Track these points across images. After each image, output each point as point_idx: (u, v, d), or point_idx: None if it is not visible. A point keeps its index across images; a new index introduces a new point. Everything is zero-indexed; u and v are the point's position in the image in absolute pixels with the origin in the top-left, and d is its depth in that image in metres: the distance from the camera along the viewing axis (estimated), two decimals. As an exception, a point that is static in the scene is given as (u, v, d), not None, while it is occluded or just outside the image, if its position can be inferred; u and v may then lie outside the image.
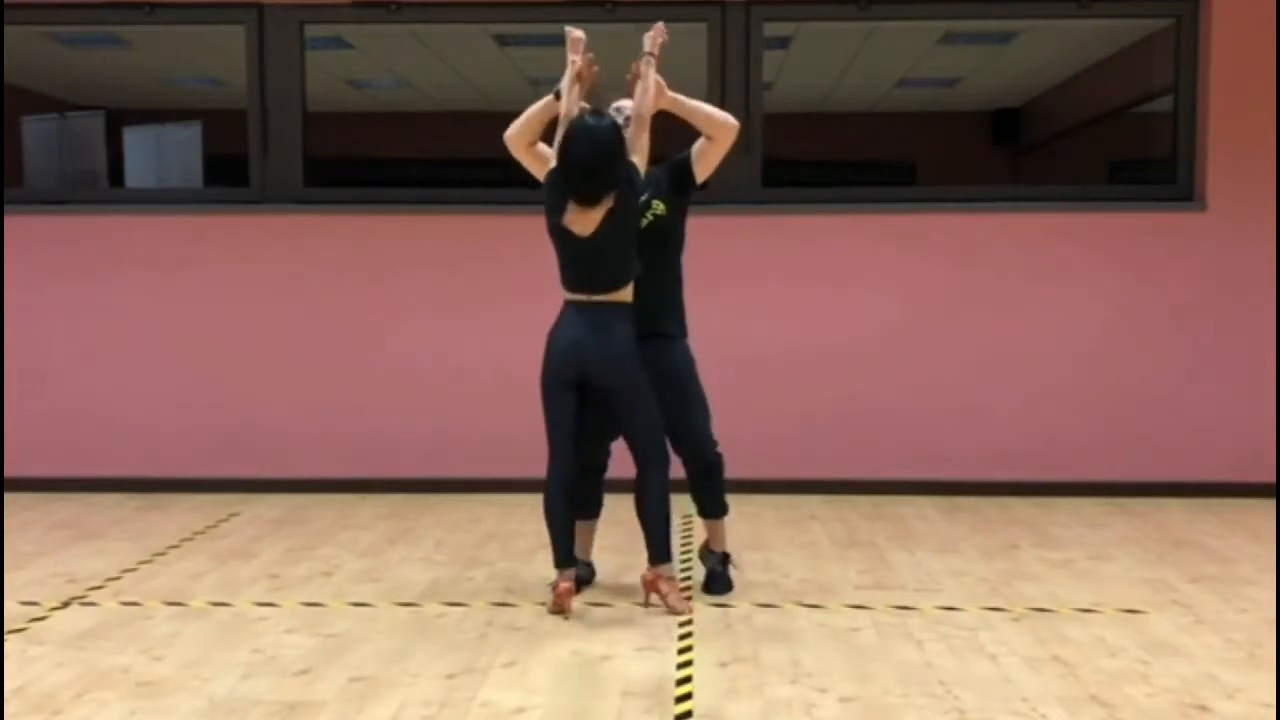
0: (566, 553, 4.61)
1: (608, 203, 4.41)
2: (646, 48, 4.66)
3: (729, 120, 4.66)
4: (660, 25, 4.71)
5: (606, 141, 4.41)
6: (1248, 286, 6.84)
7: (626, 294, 4.54)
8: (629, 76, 4.67)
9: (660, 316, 4.71)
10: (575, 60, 4.64)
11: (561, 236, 4.51)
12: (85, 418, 7.06)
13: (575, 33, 4.69)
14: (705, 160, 4.71)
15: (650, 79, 4.63)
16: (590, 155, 4.38)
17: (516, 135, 4.69)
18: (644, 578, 4.60)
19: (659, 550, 4.59)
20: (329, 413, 7.01)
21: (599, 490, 4.91)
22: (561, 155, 4.45)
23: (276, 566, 5.31)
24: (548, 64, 9.44)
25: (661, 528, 4.58)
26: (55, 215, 7.13)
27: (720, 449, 4.85)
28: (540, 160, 4.66)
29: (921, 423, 6.92)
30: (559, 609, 4.53)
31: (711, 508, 4.92)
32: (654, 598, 4.58)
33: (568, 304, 4.60)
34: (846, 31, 8.33)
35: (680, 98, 4.71)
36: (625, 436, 4.63)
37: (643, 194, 4.60)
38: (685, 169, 4.72)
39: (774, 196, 7.01)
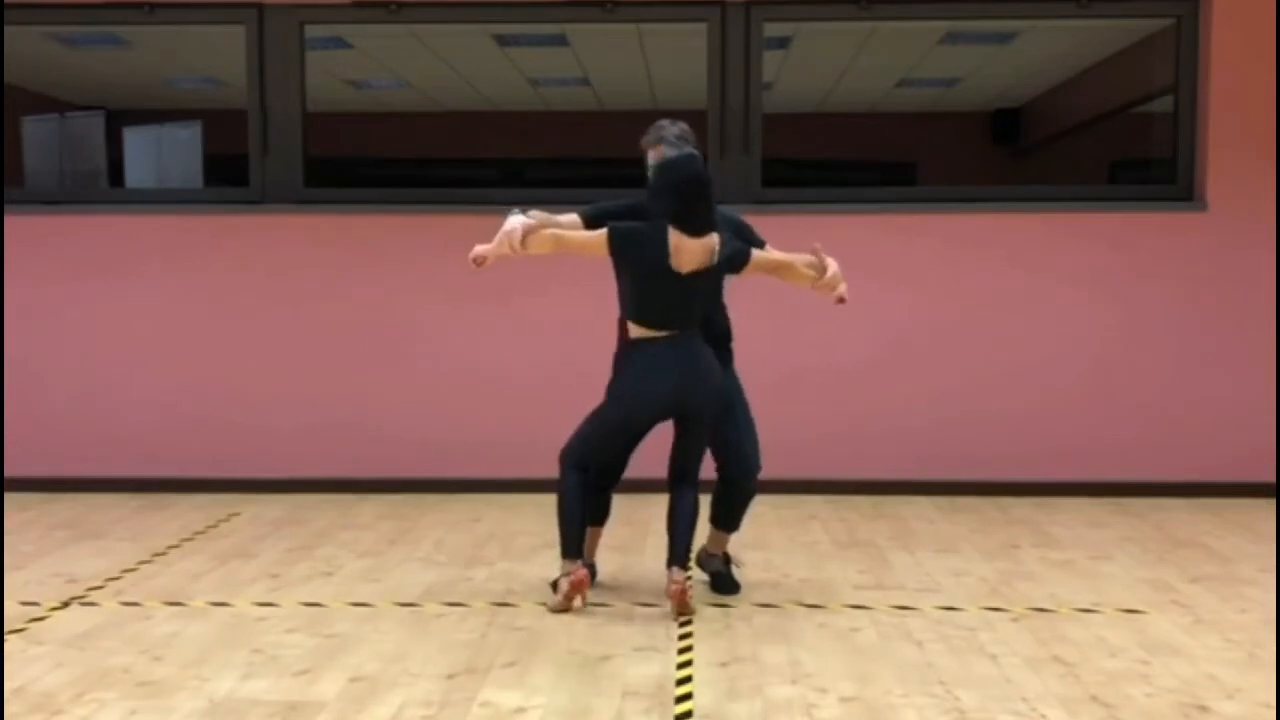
0: (578, 545, 4.62)
1: (711, 241, 4.45)
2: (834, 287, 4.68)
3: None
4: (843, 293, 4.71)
5: (698, 170, 4.49)
6: (1248, 286, 6.84)
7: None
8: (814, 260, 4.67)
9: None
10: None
11: (653, 276, 4.48)
12: (85, 418, 7.05)
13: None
14: (763, 267, 4.68)
15: (803, 274, 4.68)
16: (690, 181, 4.42)
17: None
18: (672, 589, 4.51)
19: (685, 554, 4.58)
20: (329, 413, 7.01)
21: (609, 501, 4.90)
22: (662, 190, 4.44)
23: (276, 566, 5.30)
24: (548, 64, 9.49)
25: (690, 535, 4.61)
26: (55, 215, 7.13)
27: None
28: (579, 241, 4.58)
29: (922, 423, 6.92)
30: (568, 601, 4.53)
31: (730, 523, 4.95)
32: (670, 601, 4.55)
33: (649, 340, 4.53)
34: (846, 31, 8.33)
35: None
36: (678, 452, 4.63)
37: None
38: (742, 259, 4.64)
39: (774, 196, 7.01)
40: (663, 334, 4.53)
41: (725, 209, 4.75)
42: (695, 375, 4.52)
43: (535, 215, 4.57)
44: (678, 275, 4.47)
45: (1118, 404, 6.90)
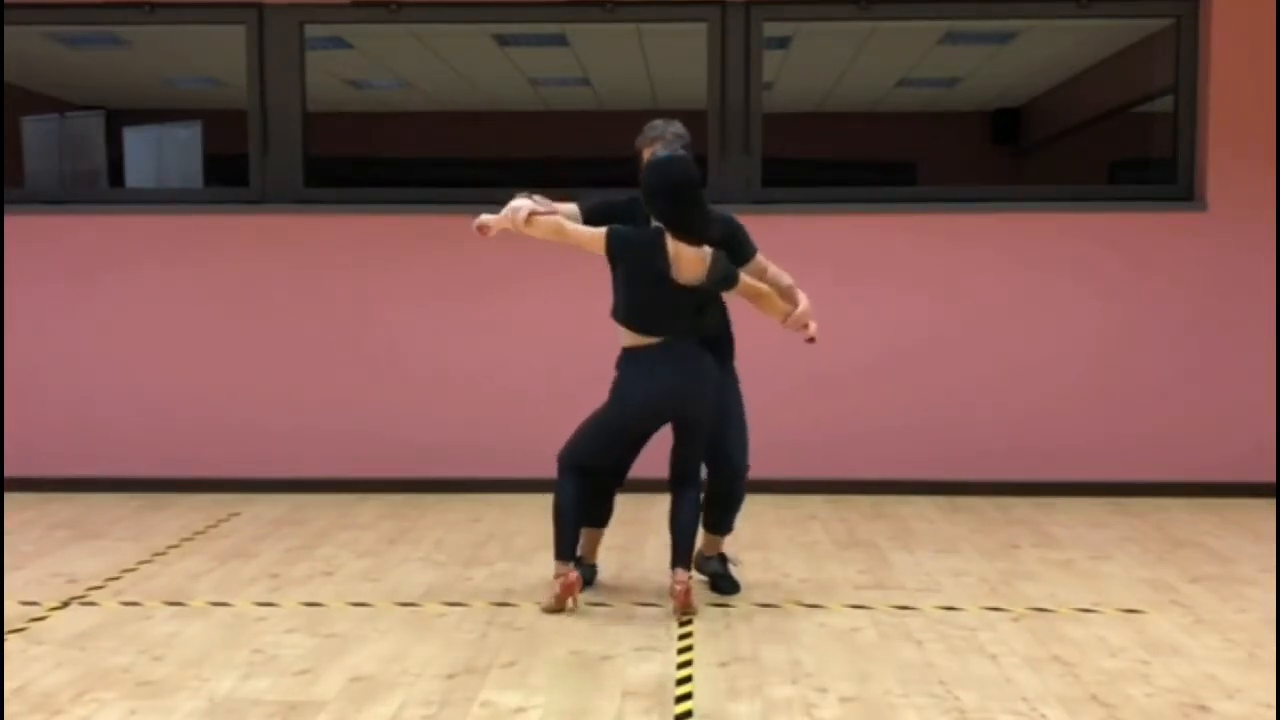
0: (572, 547, 4.62)
1: (705, 252, 4.42)
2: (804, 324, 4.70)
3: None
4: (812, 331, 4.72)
5: (689, 173, 4.40)
6: (1248, 286, 6.84)
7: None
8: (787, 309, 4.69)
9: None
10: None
11: (649, 283, 4.44)
12: (85, 418, 7.06)
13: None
14: (744, 293, 4.67)
15: (781, 304, 4.70)
16: (682, 185, 4.36)
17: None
18: (676, 589, 4.50)
19: (687, 557, 4.59)
20: (329, 413, 7.01)
21: (612, 502, 4.89)
22: (656, 194, 4.39)
23: (276, 566, 5.31)
24: (548, 64, 9.49)
25: (693, 538, 4.62)
26: (55, 215, 7.14)
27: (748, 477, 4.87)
28: (579, 236, 4.52)
29: (922, 422, 6.92)
30: (560, 603, 4.53)
31: (722, 526, 4.94)
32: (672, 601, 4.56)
33: (641, 347, 4.50)
34: (846, 31, 8.33)
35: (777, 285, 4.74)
36: (677, 455, 4.62)
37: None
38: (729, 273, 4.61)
39: (774, 196, 7.01)
40: (653, 340, 4.49)
41: (720, 209, 4.71)
42: (691, 382, 4.50)
43: (539, 200, 4.57)
44: (674, 284, 4.43)
45: (1118, 404, 6.90)
